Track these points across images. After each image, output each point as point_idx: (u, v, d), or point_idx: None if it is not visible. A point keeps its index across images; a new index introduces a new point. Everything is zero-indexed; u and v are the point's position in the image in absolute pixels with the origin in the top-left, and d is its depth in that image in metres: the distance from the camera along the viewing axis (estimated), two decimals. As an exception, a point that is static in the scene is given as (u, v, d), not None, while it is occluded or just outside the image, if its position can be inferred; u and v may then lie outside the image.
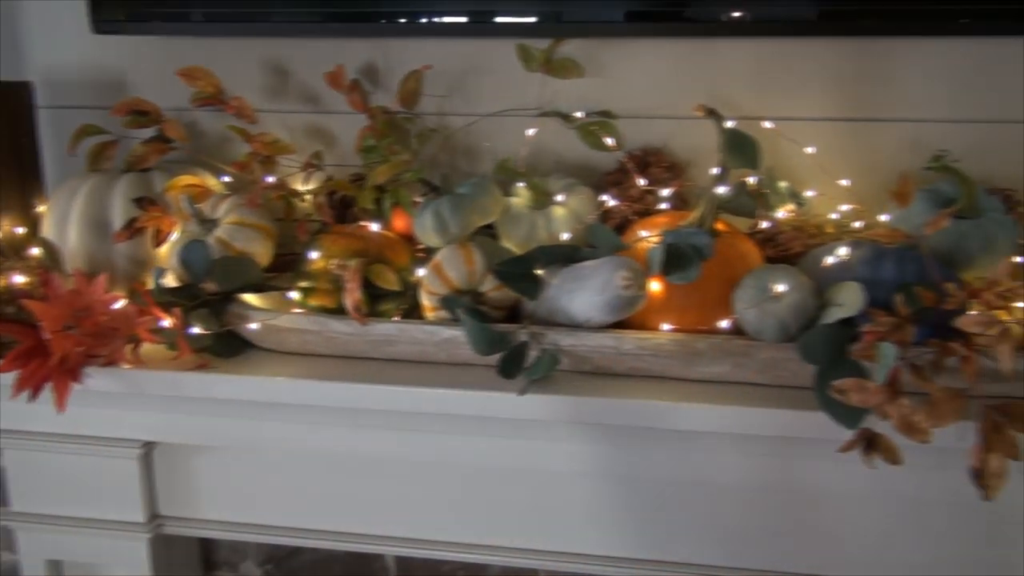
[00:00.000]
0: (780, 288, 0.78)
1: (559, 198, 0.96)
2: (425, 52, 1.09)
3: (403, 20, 1.06)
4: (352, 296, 0.86)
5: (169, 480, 1.05)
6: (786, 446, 0.87)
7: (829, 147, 1.03)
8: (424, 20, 1.06)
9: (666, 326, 0.86)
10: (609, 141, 1.01)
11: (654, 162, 1.01)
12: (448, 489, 0.98)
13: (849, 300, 0.77)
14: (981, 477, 0.72)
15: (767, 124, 0.99)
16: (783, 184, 0.97)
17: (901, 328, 0.75)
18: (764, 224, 0.91)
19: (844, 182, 0.99)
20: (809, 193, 0.98)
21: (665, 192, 0.97)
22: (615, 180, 1.02)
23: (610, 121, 1.05)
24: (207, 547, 1.35)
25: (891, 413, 0.74)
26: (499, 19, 1.05)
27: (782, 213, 0.97)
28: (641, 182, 0.98)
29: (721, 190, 0.87)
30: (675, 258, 0.80)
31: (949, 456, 0.81)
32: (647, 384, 0.87)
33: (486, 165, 1.11)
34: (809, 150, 0.98)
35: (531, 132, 1.04)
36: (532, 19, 1.04)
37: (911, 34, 1.01)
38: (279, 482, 1.03)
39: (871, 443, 0.76)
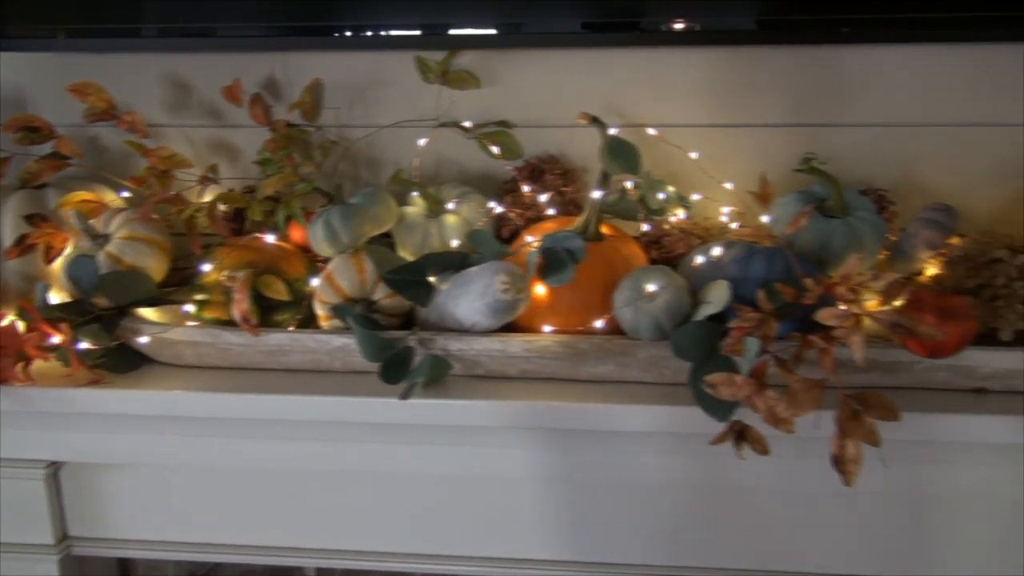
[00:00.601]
0: (651, 288, 0.81)
1: (450, 206, 0.98)
2: (326, 65, 1.11)
3: (302, 34, 1.08)
4: (240, 307, 0.87)
5: (79, 500, 1.04)
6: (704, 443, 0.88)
7: (717, 152, 1.06)
8: (322, 34, 1.08)
9: (548, 328, 0.89)
10: (495, 150, 1.03)
11: (548, 169, 1.04)
12: (361, 498, 0.99)
13: (716, 298, 0.80)
14: (840, 463, 0.75)
15: (651, 131, 1.02)
16: (671, 189, 1.00)
17: (765, 323, 0.78)
18: (646, 227, 0.94)
19: (728, 185, 1.02)
20: (695, 196, 1.02)
21: (543, 198, 0.99)
22: (510, 188, 1.04)
23: (507, 130, 1.07)
24: (125, 566, 1.33)
25: (758, 405, 0.77)
26: (394, 32, 1.07)
27: (676, 217, 1.00)
28: (526, 188, 1.00)
29: (603, 195, 0.90)
30: (551, 262, 0.82)
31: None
32: (537, 385, 0.89)
33: (389, 175, 1.13)
34: (693, 155, 1.02)
35: (423, 142, 1.06)
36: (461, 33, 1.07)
37: (792, 43, 1.06)
38: (191, 497, 1.02)
39: (741, 435, 0.79)
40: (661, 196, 0.99)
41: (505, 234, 1.01)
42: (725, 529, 0.95)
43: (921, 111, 1.06)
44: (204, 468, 0.99)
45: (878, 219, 0.91)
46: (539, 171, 1.04)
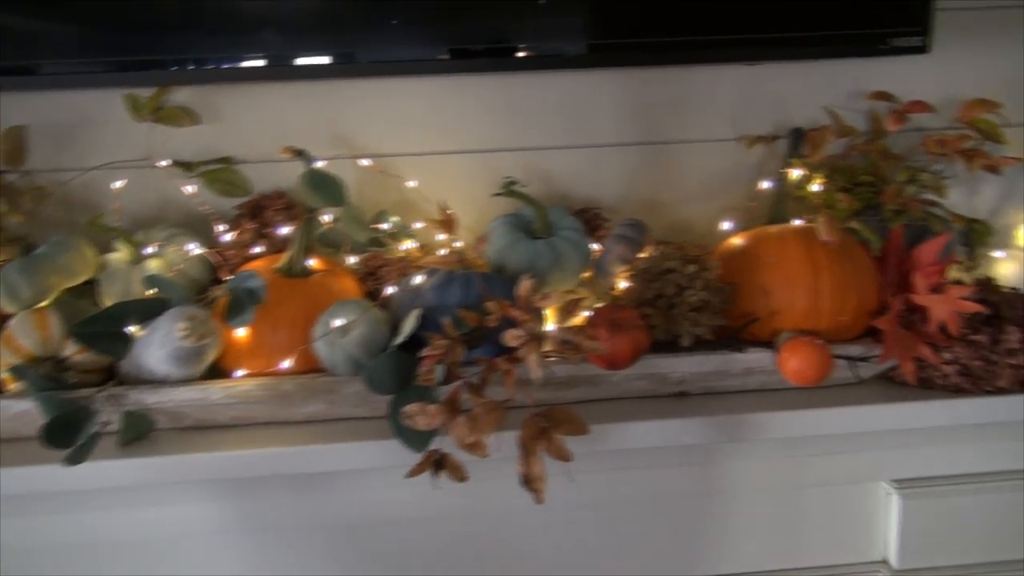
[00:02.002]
0: (338, 322, 0.80)
1: (150, 250, 0.93)
2: (31, 106, 1.03)
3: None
4: None
5: None
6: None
7: (447, 179, 1.08)
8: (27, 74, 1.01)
9: (241, 372, 0.86)
10: (189, 189, 0.99)
11: (269, 205, 1.01)
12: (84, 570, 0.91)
13: (406, 327, 0.80)
14: (528, 482, 0.76)
15: (364, 162, 1.01)
16: (395, 218, 1.00)
17: (453, 349, 0.78)
18: (351, 259, 0.93)
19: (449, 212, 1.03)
20: (417, 225, 1.02)
21: (227, 237, 0.97)
22: (232, 227, 1.00)
23: (231, 167, 1.04)
24: None
25: (452, 432, 0.77)
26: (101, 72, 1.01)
27: (406, 247, 1.00)
28: (220, 227, 0.97)
29: (299, 229, 0.88)
30: (232, 303, 0.79)
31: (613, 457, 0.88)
32: (249, 432, 0.85)
33: (108, 219, 1.06)
34: (411, 183, 1.02)
35: (118, 184, 1.01)
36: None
37: (512, 69, 1.08)
38: None
39: (440, 464, 0.78)
40: (385, 226, 0.99)
41: (224, 276, 0.97)
42: (490, 555, 0.95)
43: (636, 131, 1.11)
44: None
45: (581, 238, 0.94)
46: (260, 207, 1.01)
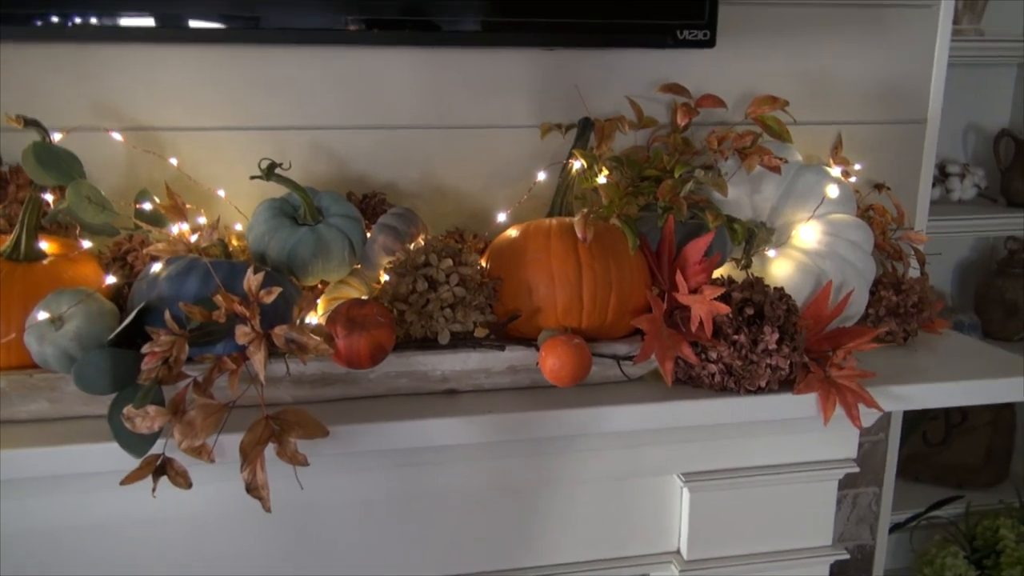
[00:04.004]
0: (43, 314, 0.72)
1: None
2: None
3: None
4: None
5: None
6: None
7: (226, 156, 1.00)
8: None
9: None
10: None
11: (13, 179, 0.91)
12: None
13: (125, 322, 0.73)
14: (253, 490, 0.71)
15: (115, 135, 0.93)
16: (158, 199, 0.92)
17: (176, 346, 0.72)
18: (86, 244, 0.84)
19: (221, 192, 0.96)
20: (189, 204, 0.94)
21: None
22: (-36, 202, 0.90)
23: (-25, 135, 0.93)
24: None
25: (176, 436, 0.71)
26: None
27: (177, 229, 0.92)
28: None
29: (29, 207, 0.79)
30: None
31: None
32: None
33: None
34: (173, 161, 0.94)
35: None
36: None
37: (307, 43, 1.01)
38: None
39: (163, 469, 0.72)
40: (146, 207, 0.91)
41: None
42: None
43: (433, 113, 1.06)
44: None
45: (355, 225, 0.88)
46: (3, 182, 0.91)
